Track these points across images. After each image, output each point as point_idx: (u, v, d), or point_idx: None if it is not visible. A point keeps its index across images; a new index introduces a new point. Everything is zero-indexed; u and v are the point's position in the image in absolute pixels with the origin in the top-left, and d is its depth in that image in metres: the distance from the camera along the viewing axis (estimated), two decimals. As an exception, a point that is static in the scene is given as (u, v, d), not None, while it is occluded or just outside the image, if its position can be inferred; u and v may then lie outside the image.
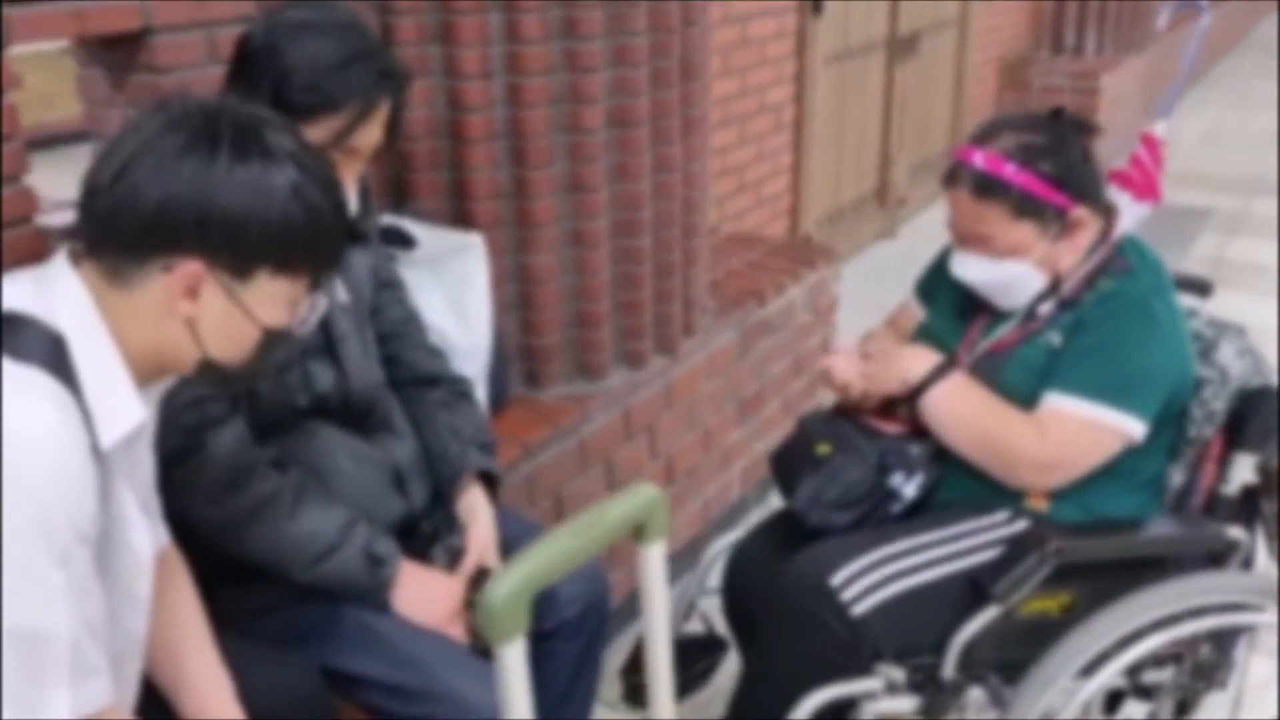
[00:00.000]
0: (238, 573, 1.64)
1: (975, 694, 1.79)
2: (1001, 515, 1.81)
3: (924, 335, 1.99)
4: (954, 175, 1.83)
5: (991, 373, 1.84)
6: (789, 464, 1.95)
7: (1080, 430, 1.75)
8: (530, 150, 2.32)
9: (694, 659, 2.19)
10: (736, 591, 2.05)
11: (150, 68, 1.87)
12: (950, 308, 1.98)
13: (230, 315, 1.21)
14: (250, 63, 1.57)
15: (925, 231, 5.51)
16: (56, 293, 1.18)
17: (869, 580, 1.72)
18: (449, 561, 1.78)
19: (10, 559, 1.05)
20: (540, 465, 2.37)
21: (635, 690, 2.20)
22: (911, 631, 1.75)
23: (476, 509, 1.85)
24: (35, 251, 1.74)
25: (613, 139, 2.42)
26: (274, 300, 1.23)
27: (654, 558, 1.16)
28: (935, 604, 1.75)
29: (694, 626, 2.24)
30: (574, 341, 2.53)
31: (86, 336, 1.17)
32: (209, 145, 1.14)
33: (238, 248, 1.17)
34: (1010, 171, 1.76)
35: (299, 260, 1.22)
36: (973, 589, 1.74)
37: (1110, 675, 1.74)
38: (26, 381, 1.10)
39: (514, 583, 0.94)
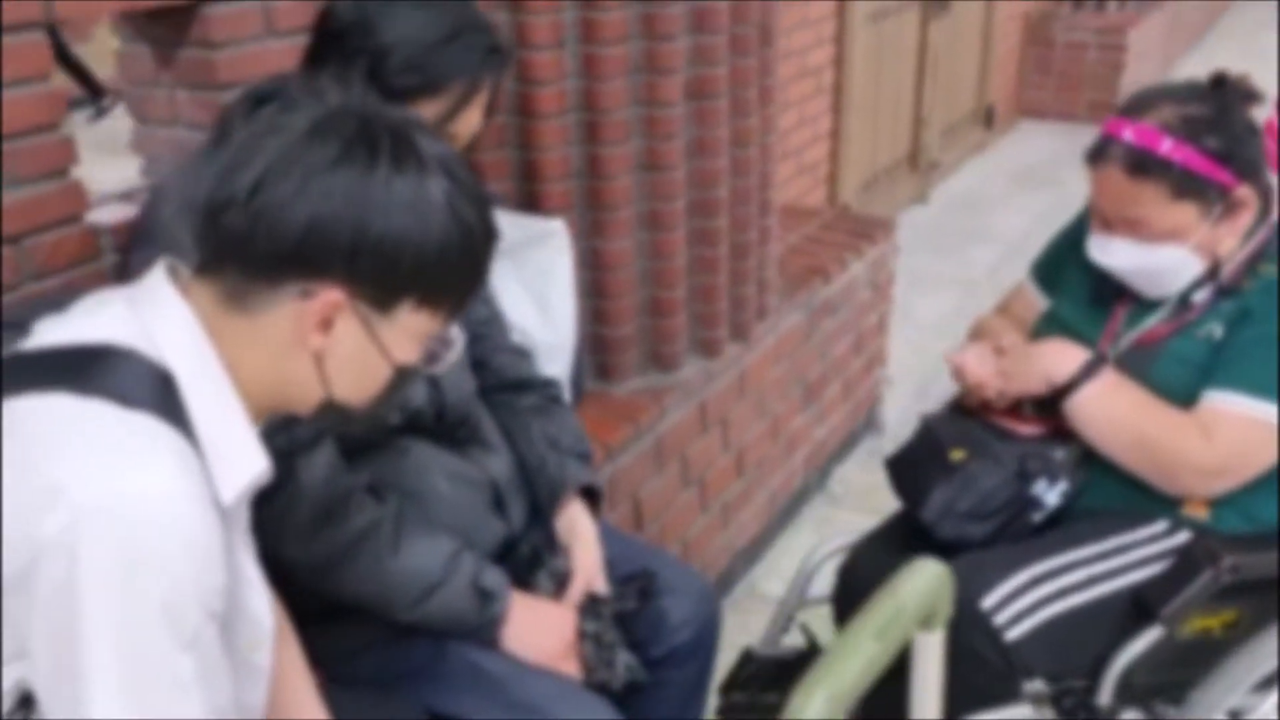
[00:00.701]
0: (329, 610, 1.48)
1: (1129, 718, 1.65)
2: (1160, 526, 1.65)
3: (1054, 325, 1.82)
4: (1102, 152, 1.65)
5: (1141, 367, 1.68)
6: (914, 470, 1.79)
7: (1250, 431, 1.59)
8: (605, 125, 2.13)
9: (795, 674, 2.04)
10: (852, 606, 1.88)
11: (202, 42, 1.68)
12: (1083, 294, 1.81)
13: (364, 351, 1.03)
14: (339, 41, 1.38)
15: (956, 196, 5.35)
16: (158, 318, 1.00)
17: (1023, 603, 1.57)
18: (554, 588, 1.62)
19: (135, 648, 0.88)
20: (620, 467, 2.21)
21: (735, 708, 2.05)
22: (1066, 655, 1.60)
23: (579, 527, 1.68)
24: (86, 253, 1.56)
25: (691, 112, 2.23)
26: (411, 335, 1.05)
27: (935, 644, 0.99)
28: (1093, 626, 1.60)
29: (793, 639, 2.09)
30: (647, 331, 2.35)
31: (198, 371, 0.99)
32: (367, 156, 0.96)
33: (388, 276, 0.99)
34: (1169, 147, 1.59)
35: (447, 290, 1.05)
36: (1134, 608, 1.59)
37: (1282, 698, 1.60)
38: (139, 430, 0.93)
39: (820, 708, 0.78)
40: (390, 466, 1.53)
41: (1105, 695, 1.61)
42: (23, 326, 1.03)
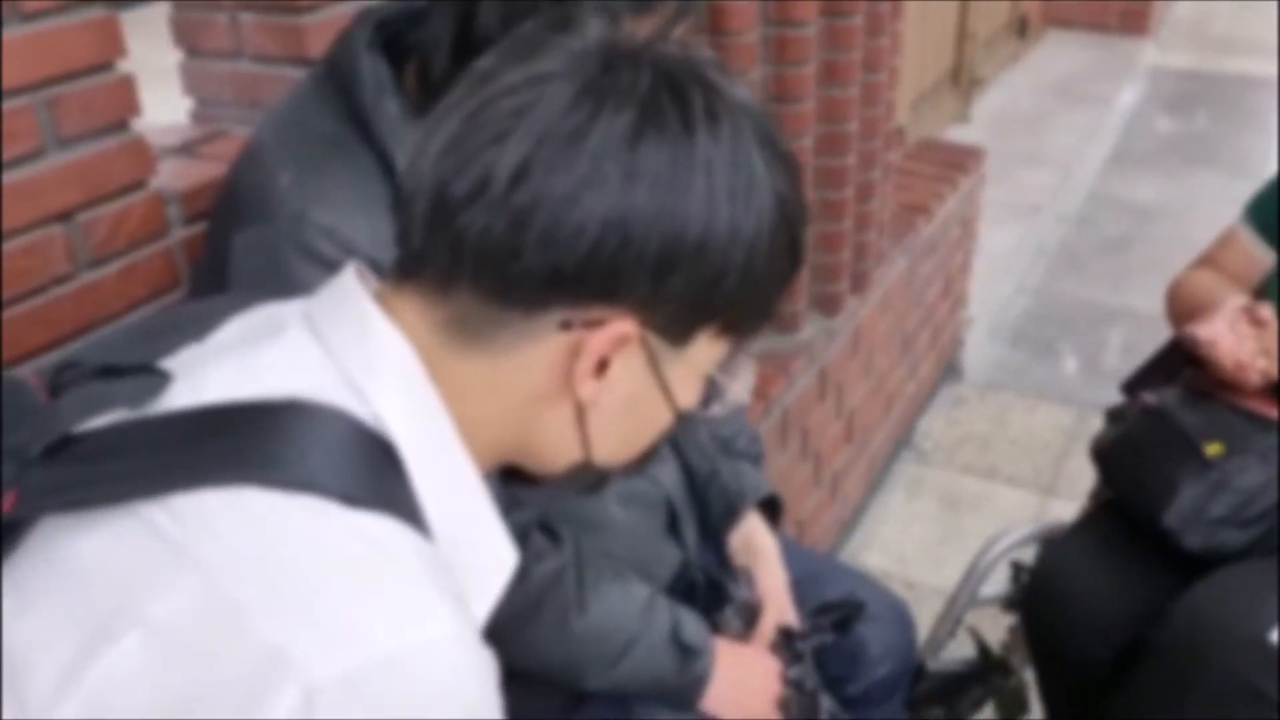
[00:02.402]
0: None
1: None
2: None
3: (1300, 287, 1.54)
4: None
5: None
6: (1145, 463, 1.50)
7: None
8: (733, 48, 1.79)
9: (964, 687, 1.79)
10: (1051, 616, 1.61)
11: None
12: (1332, 250, 1.53)
13: (644, 398, 0.71)
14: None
15: (996, 113, 5.03)
16: (364, 355, 0.68)
17: (1322, 634, 1.31)
18: (743, 626, 1.33)
19: None
20: (749, 449, 1.91)
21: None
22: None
23: (760, 547, 1.40)
24: (152, 228, 1.22)
25: (823, 32, 1.90)
26: (699, 372, 0.73)
27: None
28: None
29: (961, 647, 1.83)
30: (765, 288, 2.04)
31: (428, 436, 0.68)
32: (678, 124, 0.64)
33: (704, 295, 0.67)
34: None
35: (761, 306, 0.72)
36: None
37: None
38: (375, 544, 0.61)
39: None
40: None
41: (1399, 733, 1.35)
42: (152, 370, 0.71)
